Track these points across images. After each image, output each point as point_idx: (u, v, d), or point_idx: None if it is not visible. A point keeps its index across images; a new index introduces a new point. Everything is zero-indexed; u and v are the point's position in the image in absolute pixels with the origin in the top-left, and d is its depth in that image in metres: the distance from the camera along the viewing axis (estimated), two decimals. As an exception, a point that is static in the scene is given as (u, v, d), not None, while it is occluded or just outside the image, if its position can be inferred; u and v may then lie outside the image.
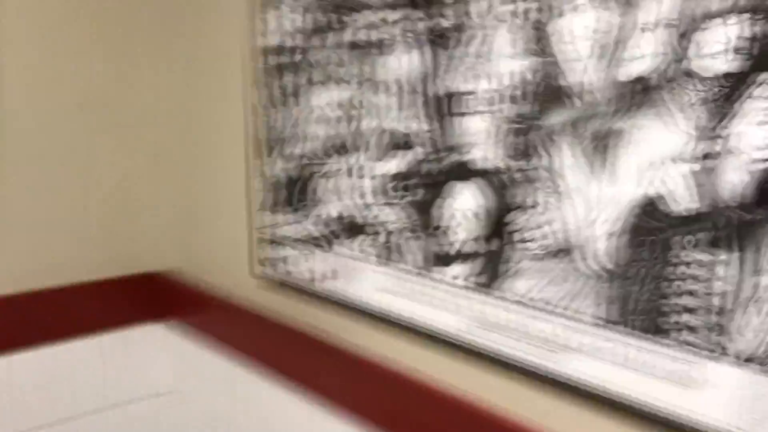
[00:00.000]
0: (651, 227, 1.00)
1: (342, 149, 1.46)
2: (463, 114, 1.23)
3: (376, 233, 1.41)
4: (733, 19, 0.89)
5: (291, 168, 1.60)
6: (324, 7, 1.45)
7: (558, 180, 1.11)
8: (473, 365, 1.27)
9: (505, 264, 1.19)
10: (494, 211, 1.20)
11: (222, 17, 1.72)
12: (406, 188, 1.34)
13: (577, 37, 1.05)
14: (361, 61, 1.39)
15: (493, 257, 1.21)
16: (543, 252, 1.13)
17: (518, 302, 1.17)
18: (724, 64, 0.91)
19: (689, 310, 0.98)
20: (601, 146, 1.05)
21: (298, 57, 1.53)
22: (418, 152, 1.31)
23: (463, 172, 1.24)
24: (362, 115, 1.41)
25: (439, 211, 1.29)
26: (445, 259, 1.28)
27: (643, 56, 0.99)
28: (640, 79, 0.99)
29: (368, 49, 1.37)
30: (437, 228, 1.29)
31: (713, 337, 0.95)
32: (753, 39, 0.87)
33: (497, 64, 1.16)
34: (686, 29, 0.93)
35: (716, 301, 0.95)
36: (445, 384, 1.31)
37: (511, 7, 1.12)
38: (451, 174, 1.26)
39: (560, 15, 1.07)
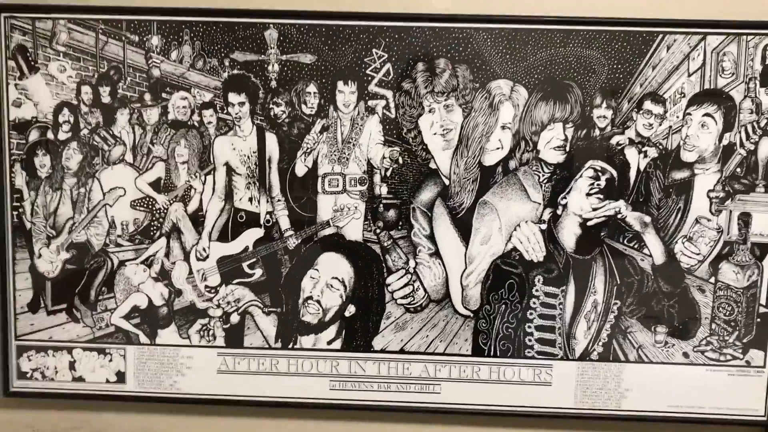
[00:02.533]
0: (511, 273, 1.34)
1: (161, 232, 1.36)
2: (333, 192, 1.34)
3: (225, 314, 1.37)
4: (569, 124, 1.29)
5: (78, 259, 1.38)
6: (113, 77, 1.32)
7: (432, 244, 1.34)
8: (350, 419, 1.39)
9: (384, 320, 1.36)
10: (368, 276, 1.35)
11: None
12: (262, 264, 1.36)
13: (447, 130, 1.30)
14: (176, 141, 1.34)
15: (368, 316, 1.36)
16: (419, 303, 1.35)
17: (398, 351, 1.36)
18: (563, 154, 1.30)
19: (544, 329, 1.35)
20: (468, 215, 1.33)
21: (84, 132, 1.34)
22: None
23: (334, 244, 1.35)
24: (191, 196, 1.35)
25: (306, 282, 1.36)
26: (314, 328, 1.37)
27: (503, 147, 1.31)
28: (500, 164, 1.31)
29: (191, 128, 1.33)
30: (309, 298, 1.36)
31: (564, 344, 1.34)
32: (583, 138, 1.29)
33: (368, 150, 1.32)
34: (536, 129, 1.30)
35: (562, 318, 1.34)
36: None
37: (382, 102, 1.30)
38: (322, 246, 1.35)
39: (430, 111, 1.30)
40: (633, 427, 1.37)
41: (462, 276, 1.34)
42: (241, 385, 1.39)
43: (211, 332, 1.38)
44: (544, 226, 1.32)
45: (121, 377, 1.40)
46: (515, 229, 1.33)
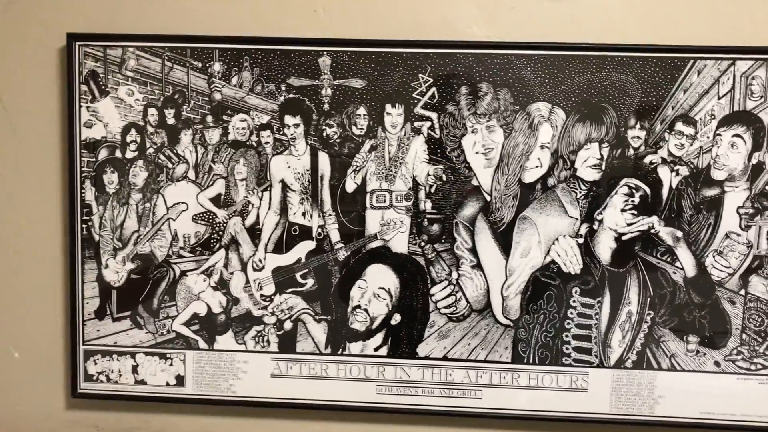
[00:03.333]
0: (549, 284, 1.41)
1: (220, 245, 1.45)
2: (380, 208, 1.42)
3: (279, 321, 1.46)
4: (605, 144, 1.36)
5: (142, 270, 1.48)
6: (178, 101, 1.43)
7: (474, 257, 1.42)
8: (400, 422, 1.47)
9: (428, 328, 1.44)
10: (413, 286, 1.43)
11: (37, 103, 1.45)
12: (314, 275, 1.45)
13: (489, 149, 1.39)
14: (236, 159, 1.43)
15: (412, 325, 1.44)
16: (462, 313, 1.43)
17: (441, 358, 1.44)
18: (599, 173, 1.38)
19: (581, 338, 1.42)
20: (508, 229, 1.41)
21: (150, 151, 1.44)
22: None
23: (381, 256, 1.44)
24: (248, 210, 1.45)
25: (355, 292, 1.44)
26: (362, 335, 1.45)
27: (542, 165, 1.39)
28: (539, 181, 1.39)
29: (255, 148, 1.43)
30: (357, 307, 1.44)
31: (599, 352, 1.41)
32: (619, 157, 1.36)
33: (413, 168, 1.41)
34: (573, 148, 1.37)
35: (598, 328, 1.41)
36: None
37: (428, 123, 1.39)
38: (370, 258, 1.44)
39: (473, 132, 1.39)
40: (666, 433, 1.42)
41: (502, 287, 1.42)
42: (293, 389, 1.47)
43: (265, 338, 1.46)
44: (581, 240, 1.40)
45: (180, 380, 1.49)
46: (553, 243, 1.40)
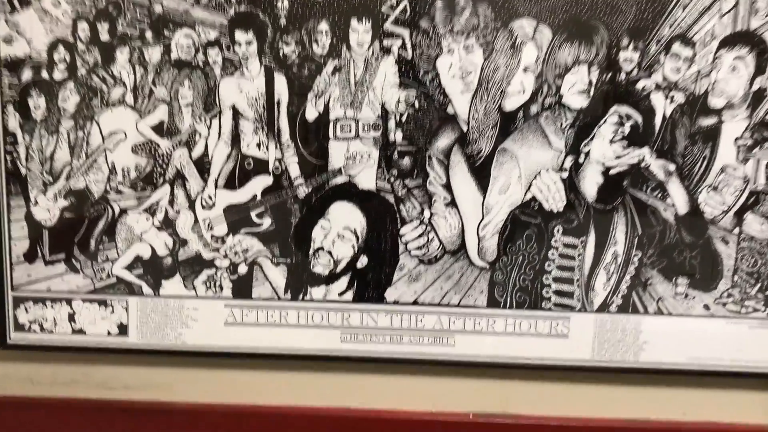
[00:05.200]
0: (529, 223, 1.29)
1: (164, 179, 1.30)
2: (345, 139, 1.28)
3: (232, 264, 1.32)
4: (594, 67, 1.23)
5: (76, 207, 1.32)
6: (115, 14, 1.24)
7: (448, 193, 1.29)
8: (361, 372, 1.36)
9: (397, 271, 1.32)
10: (381, 226, 1.30)
11: None
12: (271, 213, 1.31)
13: (467, 72, 1.24)
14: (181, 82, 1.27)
15: (380, 268, 1.32)
16: (434, 255, 1.31)
17: (411, 303, 1.32)
18: (587, 99, 1.25)
19: (562, 280, 1.31)
20: (486, 163, 1.28)
21: (81, 71, 1.26)
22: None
23: (346, 193, 1.30)
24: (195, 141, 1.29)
25: (317, 232, 1.31)
26: (325, 279, 1.32)
27: (525, 91, 1.25)
28: (521, 109, 1.26)
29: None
30: (320, 249, 1.31)
31: (582, 296, 1.30)
32: (609, 82, 1.23)
33: (382, 93, 1.26)
34: (559, 72, 1.24)
35: (581, 270, 1.30)
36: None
37: (398, 41, 1.23)
38: (334, 195, 1.30)
39: (449, 52, 1.24)
40: (651, 380, 1.34)
41: (479, 226, 1.30)
42: (249, 338, 1.35)
43: (217, 283, 1.33)
44: (565, 175, 1.27)
45: (123, 330, 1.35)
46: (535, 178, 1.28)
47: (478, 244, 1.30)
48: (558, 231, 1.30)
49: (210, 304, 1.34)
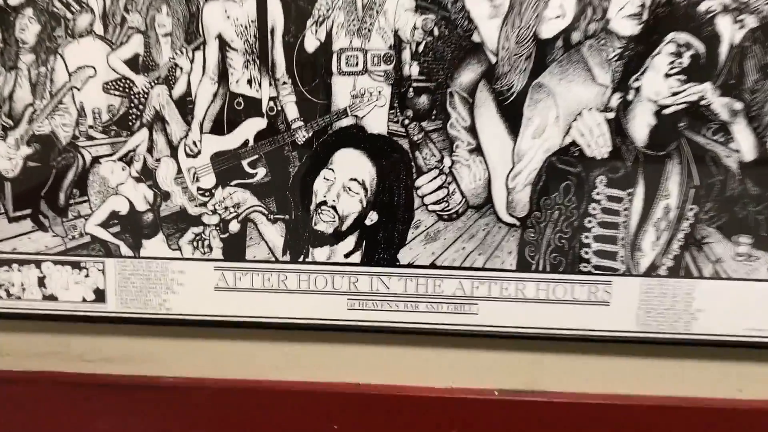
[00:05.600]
0: (567, 172, 1.11)
1: (141, 122, 1.12)
2: (351, 73, 1.09)
3: (222, 221, 1.16)
4: (649, -14, 1.03)
5: (42, 156, 1.15)
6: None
7: (472, 138, 1.11)
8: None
9: (412, 229, 1.15)
10: (394, 177, 1.13)
11: None
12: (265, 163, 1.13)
13: (496, -8, 1.05)
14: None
15: (393, 225, 1.15)
16: (455, 210, 1.13)
17: (428, 266, 1.15)
18: (639, 24, 1.05)
19: (604, 239, 1.14)
20: (518, 101, 1.09)
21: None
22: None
23: (352, 138, 1.12)
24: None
25: (319, 184, 1.14)
26: (329, 238, 1.16)
27: (565, 15, 1.05)
28: (560, 36, 1.06)
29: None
30: (323, 203, 1.14)
31: (627, 257, 1.13)
32: (666, 3, 1.04)
33: (395, 19, 1.07)
34: (607, -9, 1.04)
35: (627, 227, 1.13)
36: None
37: (414, -46, 1.04)
38: (338, 141, 1.12)
39: (475, -33, 1.04)
40: (704, 354, 1.18)
41: (508, 177, 1.12)
42: (243, 304, 1.19)
43: (206, 243, 1.17)
44: (611, 115, 1.09)
45: (100, 295, 1.20)
46: (575, 119, 1.10)
47: (507, 197, 1.13)
48: (601, 182, 1.12)
49: (198, 266, 1.18)
